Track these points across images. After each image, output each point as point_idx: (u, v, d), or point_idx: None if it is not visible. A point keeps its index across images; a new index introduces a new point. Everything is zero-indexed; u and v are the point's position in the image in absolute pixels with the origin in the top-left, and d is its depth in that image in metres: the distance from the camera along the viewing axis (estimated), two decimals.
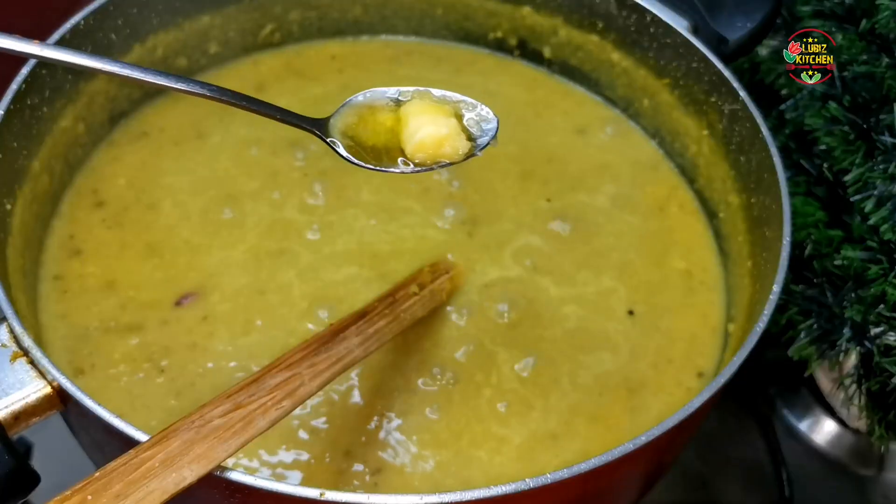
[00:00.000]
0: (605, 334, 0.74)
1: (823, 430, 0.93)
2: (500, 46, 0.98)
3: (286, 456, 0.65)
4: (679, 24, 0.83)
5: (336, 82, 0.93)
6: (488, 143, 0.61)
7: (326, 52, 0.97)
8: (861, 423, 0.85)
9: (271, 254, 0.77)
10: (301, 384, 0.57)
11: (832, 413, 0.93)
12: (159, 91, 0.89)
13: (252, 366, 0.70)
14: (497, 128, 0.61)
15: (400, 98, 0.63)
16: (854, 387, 0.81)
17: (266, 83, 0.92)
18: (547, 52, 0.95)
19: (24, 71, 0.72)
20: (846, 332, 0.78)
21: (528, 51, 0.97)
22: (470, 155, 0.61)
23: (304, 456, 0.65)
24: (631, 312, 0.76)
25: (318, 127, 0.62)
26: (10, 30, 0.56)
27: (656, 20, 0.84)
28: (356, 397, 0.69)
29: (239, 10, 0.91)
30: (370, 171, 0.83)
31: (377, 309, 0.66)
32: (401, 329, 0.67)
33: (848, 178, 0.80)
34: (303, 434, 0.66)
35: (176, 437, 0.51)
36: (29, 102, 0.73)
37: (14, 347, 0.59)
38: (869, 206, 0.78)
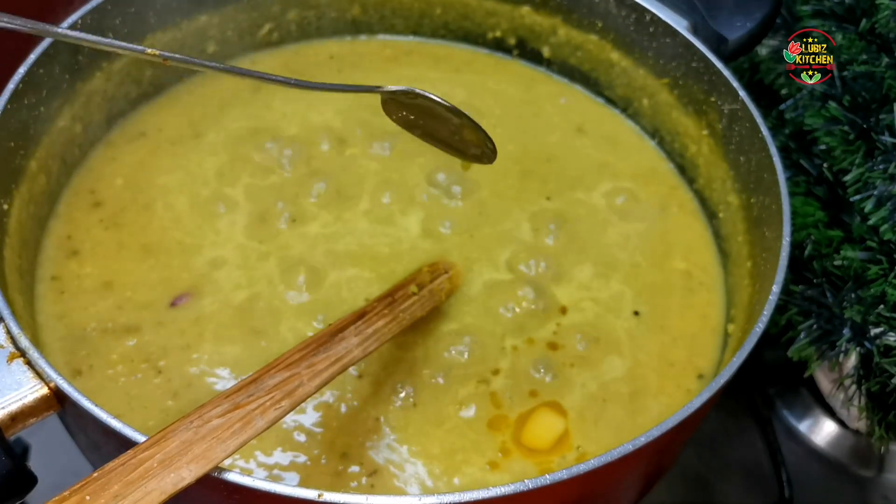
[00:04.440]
0: (608, 336, 0.74)
1: (823, 431, 0.93)
2: (499, 46, 0.98)
3: (283, 457, 0.65)
4: (678, 23, 0.82)
5: (334, 81, 0.92)
6: None
7: (325, 51, 0.97)
8: (861, 424, 0.85)
9: (268, 254, 0.77)
10: (300, 384, 0.56)
11: (832, 414, 0.93)
12: (157, 90, 0.89)
13: (249, 366, 0.69)
14: None
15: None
16: (854, 387, 0.81)
17: (263, 83, 0.92)
18: (546, 52, 0.95)
19: (22, 70, 0.72)
20: (846, 332, 0.78)
21: (527, 50, 0.97)
22: None
23: (301, 458, 0.65)
24: (636, 312, 0.76)
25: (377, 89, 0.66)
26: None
27: (655, 20, 0.84)
28: (353, 399, 0.68)
29: (237, 10, 0.91)
30: (369, 170, 0.84)
31: (376, 309, 0.66)
32: (399, 329, 0.67)
33: (848, 178, 0.80)
34: (299, 436, 0.66)
35: (174, 438, 0.51)
36: (26, 102, 0.73)
37: (11, 348, 0.58)
38: (869, 206, 0.78)
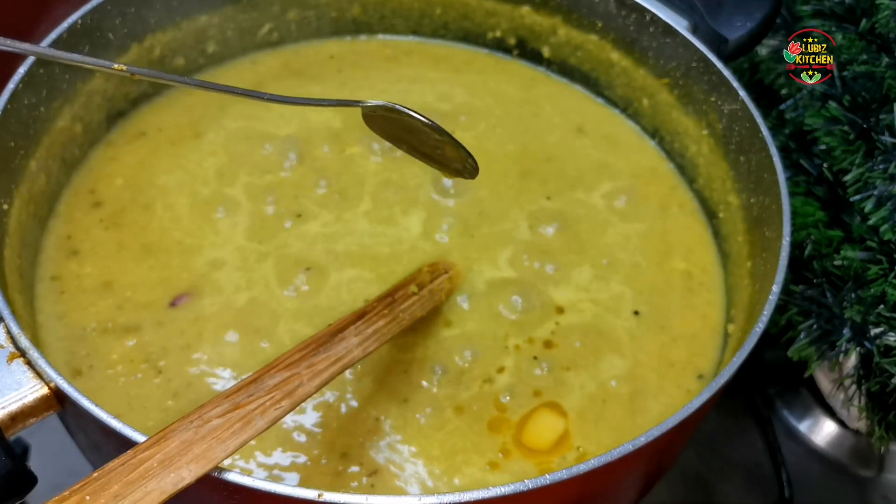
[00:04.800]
0: (609, 336, 0.74)
1: (823, 431, 0.93)
2: (499, 46, 0.98)
3: (283, 458, 0.65)
4: (678, 23, 0.82)
5: (335, 81, 0.93)
6: None
7: (325, 51, 0.97)
8: (861, 424, 0.85)
9: (268, 254, 0.77)
10: (300, 384, 0.56)
11: (832, 414, 0.93)
12: (157, 90, 0.89)
13: (248, 367, 0.69)
14: None
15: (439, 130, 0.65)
16: (854, 387, 0.81)
17: (264, 82, 0.92)
18: (546, 52, 0.95)
19: (21, 70, 0.72)
20: (846, 332, 0.78)
21: (527, 50, 0.97)
22: None
23: (301, 458, 0.65)
24: (636, 312, 0.76)
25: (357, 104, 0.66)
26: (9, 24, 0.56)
27: (655, 19, 0.84)
28: (353, 399, 0.68)
29: (237, 10, 0.91)
30: (369, 170, 0.84)
31: (376, 309, 0.66)
32: (399, 329, 0.67)
33: (848, 178, 0.80)
34: (299, 436, 0.66)
35: (174, 438, 0.51)
36: (26, 102, 0.73)
37: (11, 348, 0.58)
38: (869, 206, 0.78)
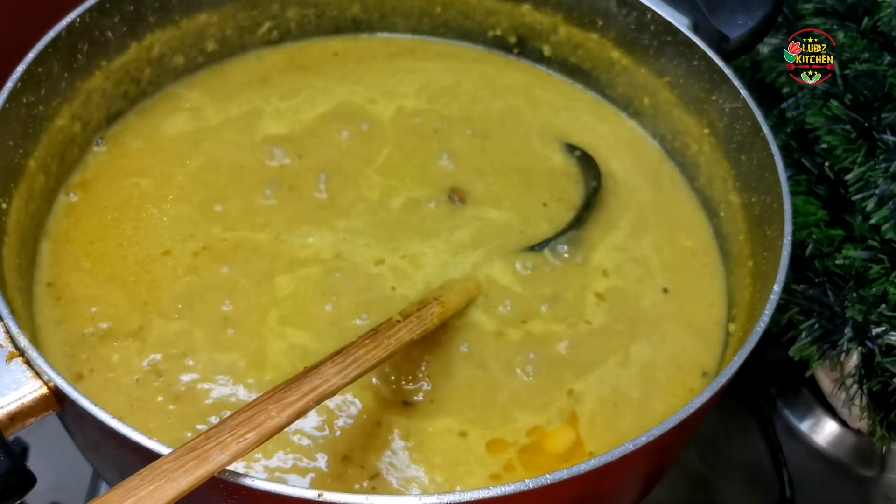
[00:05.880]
0: (607, 343, 0.74)
1: (825, 431, 0.93)
2: (499, 44, 0.97)
3: (284, 461, 0.64)
4: (679, 21, 0.82)
5: (336, 75, 0.92)
6: None
7: (329, 48, 0.96)
8: (862, 424, 0.84)
9: (269, 257, 0.76)
10: (267, 417, 0.53)
11: (833, 413, 0.93)
12: (156, 89, 0.89)
13: (246, 373, 0.69)
14: None
15: None
16: (855, 387, 0.81)
17: (269, 76, 0.92)
18: (546, 51, 0.95)
19: (20, 69, 0.71)
20: (847, 331, 0.78)
21: (527, 49, 0.96)
22: None
23: (303, 461, 0.65)
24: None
25: None
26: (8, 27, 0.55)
27: (657, 18, 0.84)
28: (357, 403, 0.68)
29: (236, 8, 0.90)
30: (370, 197, 0.84)
31: (356, 343, 0.62)
32: (387, 354, 0.63)
33: (849, 176, 0.80)
34: (301, 439, 0.66)
35: (118, 488, 0.47)
36: (25, 101, 0.73)
37: (10, 347, 0.58)
38: (870, 205, 0.78)
